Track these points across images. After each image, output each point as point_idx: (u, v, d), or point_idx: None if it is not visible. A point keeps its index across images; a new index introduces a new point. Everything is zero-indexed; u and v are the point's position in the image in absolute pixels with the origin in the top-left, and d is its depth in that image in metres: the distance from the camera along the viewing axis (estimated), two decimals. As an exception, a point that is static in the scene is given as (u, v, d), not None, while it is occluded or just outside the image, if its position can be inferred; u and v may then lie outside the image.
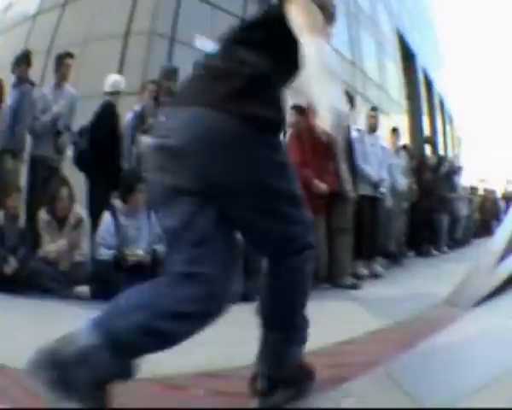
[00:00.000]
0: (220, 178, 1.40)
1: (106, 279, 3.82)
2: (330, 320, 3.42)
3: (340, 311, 3.82)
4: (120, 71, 9.02)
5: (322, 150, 4.35)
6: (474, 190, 14.73)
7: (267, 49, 1.48)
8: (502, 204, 16.79)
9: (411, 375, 2.20)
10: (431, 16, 39.41)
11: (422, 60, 28.47)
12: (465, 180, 11.84)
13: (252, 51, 1.47)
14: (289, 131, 4.66)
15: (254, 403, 1.68)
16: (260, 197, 1.46)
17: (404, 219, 7.02)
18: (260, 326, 1.73)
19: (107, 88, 4.83)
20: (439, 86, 34.26)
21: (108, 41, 10.74)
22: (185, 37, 11.34)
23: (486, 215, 15.25)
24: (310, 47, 1.28)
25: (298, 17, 1.37)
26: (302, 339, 1.80)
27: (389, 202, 5.87)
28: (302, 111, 4.73)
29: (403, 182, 6.52)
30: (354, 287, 4.47)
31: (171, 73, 5.00)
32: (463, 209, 10.19)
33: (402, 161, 6.74)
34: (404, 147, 7.74)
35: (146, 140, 3.95)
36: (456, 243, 9.69)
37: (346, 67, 17.34)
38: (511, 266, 4.49)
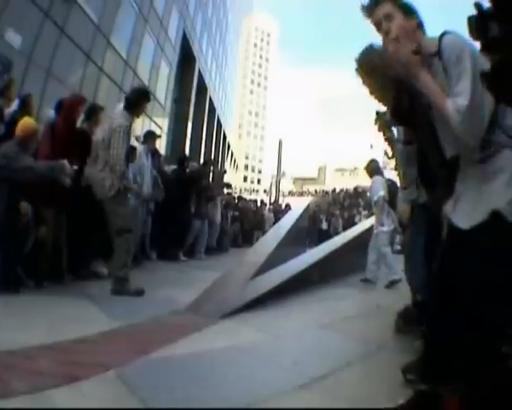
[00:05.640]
0: None
1: None
2: (64, 317, 3.66)
3: (75, 308, 4.08)
4: None
5: (72, 146, 5.08)
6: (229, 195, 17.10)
7: None
8: (271, 216, 19.80)
9: (147, 382, 2.46)
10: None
11: (202, 64, 34.56)
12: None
13: None
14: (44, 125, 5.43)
15: None
16: None
17: (149, 221, 8.28)
18: None
19: None
20: (213, 94, 39.47)
21: None
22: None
23: (250, 225, 17.98)
24: None
25: None
26: None
27: (132, 201, 6.73)
28: (58, 107, 5.47)
29: (149, 184, 7.77)
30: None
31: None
32: (218, 216, 11.60)
33: (150, 163, 7.90)
34: (156, 151, 8.97)
35: None
36: (209, 250, 11.04)
37: (119, 66, 19.61)
38: (267, 282, 5.31)
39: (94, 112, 5.85)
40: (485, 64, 1.95)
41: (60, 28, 14.26)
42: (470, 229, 2.00)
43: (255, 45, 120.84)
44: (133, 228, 5.28)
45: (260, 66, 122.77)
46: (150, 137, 8.08)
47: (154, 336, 3.44)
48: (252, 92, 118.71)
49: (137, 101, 5.42)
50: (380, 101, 3.21)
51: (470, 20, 2.04)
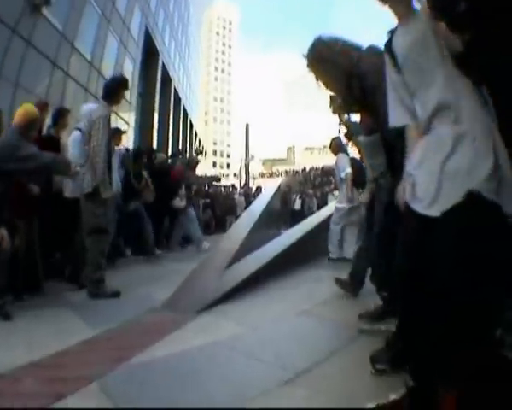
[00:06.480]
0: None
1: None
2: (46, 330, 3.53)
3: (55, 319, 3.91)
4: None
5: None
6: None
7: None
8: (242, 200, 19.67)
9: (128, 391, 2.41)
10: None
11: (165, 57, 34.41)
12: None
13: None
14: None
15: None
16: None
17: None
18: None
19: None
20: (177, 84, 39.38)
21: None
22: None
23: (221, 211, 17.83)
24: None
25: None
26: None
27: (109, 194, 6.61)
28: None
29: (119, 182, 7.40)
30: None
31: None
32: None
33: (118, 160, 7.54)
34: (127, 150, 8.89)
35: None
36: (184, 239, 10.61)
37: (83, 67, 19.37)
38: (243, 269, 5.20)
39: (60, 115, 5.69)
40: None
41: (26, 41, 14.12)
42: (441, 215, 1.82)
43: (217, 34, 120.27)
44: (108, 228, 5.12)
45: (223, 53, 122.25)
46: (116, 133, 7.85)
47: (134, 339, 3.34)
48: (216, 79, 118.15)
49: (116, 89, 5.24)
50: (334, 92, 3.17)
51: None
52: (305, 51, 2.91)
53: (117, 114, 22.55)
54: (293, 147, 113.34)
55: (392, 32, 2.17)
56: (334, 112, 4.24)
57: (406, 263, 2.02)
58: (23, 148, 4.11)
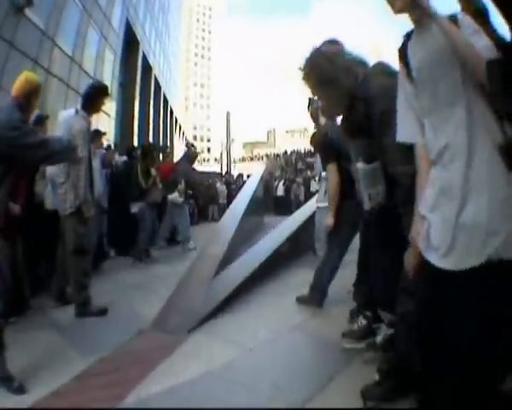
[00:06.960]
0: None
1: None
2: (36, 363, 3.31)
3: (45, 347, 3.65)
4: None
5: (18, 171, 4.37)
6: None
7: None
8: (223, 188, 19.48)
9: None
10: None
11: (145, 46, 34.12)
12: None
13: None
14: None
15: None
16: None
17: (103, 220, 7.59)
18: None
19: None
20: (158, 72, 39.19)
21: None
22: None
23: (204, 201, 17.64)
24: None
25: None
26: None
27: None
28: None
29: (101, 187, 7.06)
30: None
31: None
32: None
33: (99, 163, 7.19)
34: (109, 147, 8.90)
35: None
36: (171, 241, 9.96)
37: (65, 63, 18.88)
38: (232, 277, 5.05)
39: (40, 123, 5.40)
40: None
41: (9, 43, 13.81)
42: (458, 271, 1.63)
43: (198, 20, 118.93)
44: (90, 249, 4.90)
45: (203, 38, 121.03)
46: (96, 135, 7.54)
47: (127, 371, 3.17)
48: (196, 64, 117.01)
49: (95, 96, 4.88)
50: (331, 109, 2.96)
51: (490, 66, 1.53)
52: (302, 64, 2.63)
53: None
54: (274, 130, 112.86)
55: (407, 36, 1.90)
56: (311, 115, 4.09)
57: (422, 314, 1.85)
58: (31, 133, 3.39)
